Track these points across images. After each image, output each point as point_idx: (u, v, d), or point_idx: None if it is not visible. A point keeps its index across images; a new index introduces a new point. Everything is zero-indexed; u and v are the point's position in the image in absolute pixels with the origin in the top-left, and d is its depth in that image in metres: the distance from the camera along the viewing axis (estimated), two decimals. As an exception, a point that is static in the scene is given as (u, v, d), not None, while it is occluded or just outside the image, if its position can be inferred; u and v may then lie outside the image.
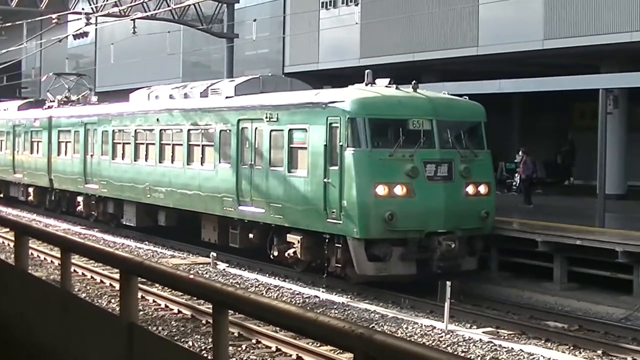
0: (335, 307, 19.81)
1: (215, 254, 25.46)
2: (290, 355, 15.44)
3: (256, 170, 24.67)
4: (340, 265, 21.80)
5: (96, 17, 42.74)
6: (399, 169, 21.19)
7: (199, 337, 16.42)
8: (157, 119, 30.11)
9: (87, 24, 40.04)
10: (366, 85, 23.02)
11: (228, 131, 26.06)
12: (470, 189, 21.95)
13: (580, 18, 29.45)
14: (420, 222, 21.21)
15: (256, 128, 24.77)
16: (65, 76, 46.16)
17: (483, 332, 17.76)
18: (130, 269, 6.94)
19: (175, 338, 16.03)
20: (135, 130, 31.61)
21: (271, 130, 24.13)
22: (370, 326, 17.59)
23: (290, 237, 23.43)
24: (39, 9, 40.92)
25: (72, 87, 43.88)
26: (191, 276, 6.37)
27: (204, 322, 17.44)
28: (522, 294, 21.89)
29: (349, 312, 19.30)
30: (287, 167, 23.40)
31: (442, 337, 17.08)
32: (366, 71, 23.31)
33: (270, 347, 15.84)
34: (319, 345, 14.84)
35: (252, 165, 24.83)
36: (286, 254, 23.61)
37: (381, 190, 21.05)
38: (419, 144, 21.43)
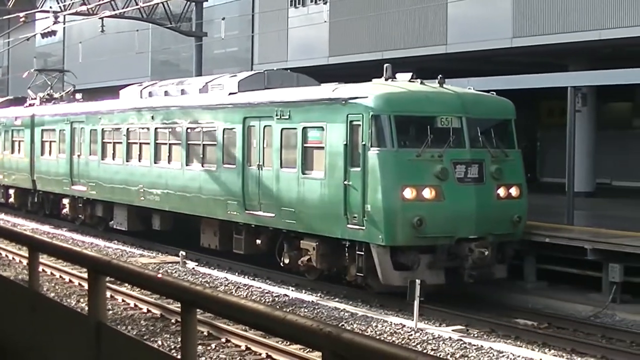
0: (304, 305, 19.74)
1: (184, 253, 25.28)
2: (260, 354, 15.42)
3: (265, 171, 22.99)
4: (361, 275, 20.18)
5: (64, 15, 42.46)
6: (427, 171, 19.61)
7: (168, 336, 16.35)
8: (152, 117, 28.44)
9: (55, 23, 39.85)
10: (386, 80, 21.38)
11: (233, 130, 24.34)
12: (501, 192, 20.39)
13: (548, 16, 29.54)
14: (450, 228, 19.62)
15: (265, 126, 23.09)
16: (47, 72, 44.52)
17: (452, 330, 17.74)
18: (98, 268, 6.89)
19: (145, 337, 15.96)
20: (128, 128, 29.85)
21: (282, 129, 22.47)
22: (340, 325, 17.61)
23: (304, 244, 21.79)
24: (6, 7, 40.65)
25: (54, 83, 42.33)
26: (159, 275, 6.34)
27: (173, 321, 17.35)
28: (491, 293, 21.19)
29: (318, 310, 19.23)
30: (300, 169, 21.75)
31: (411, 335, 17.06)
32: (385, 65, 21.64)
33: (239, 346, 15.81)
34: (288, 344, 14.83)
35: (260, 167, 23.16)
36: (299, 262, 21.98)
37: (408, 193, 19.42)
38: (448, 143, 19.80)
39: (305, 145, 21.74)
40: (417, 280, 18.24)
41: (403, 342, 16.66)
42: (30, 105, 39.72)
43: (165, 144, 27.72)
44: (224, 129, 24.78)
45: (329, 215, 20.80)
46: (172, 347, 15.38)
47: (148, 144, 28.67)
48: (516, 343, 17.07)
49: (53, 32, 45.15)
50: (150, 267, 22.87)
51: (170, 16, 40.70)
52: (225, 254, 25.40)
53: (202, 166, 25.71)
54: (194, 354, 5.97)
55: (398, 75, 21.33)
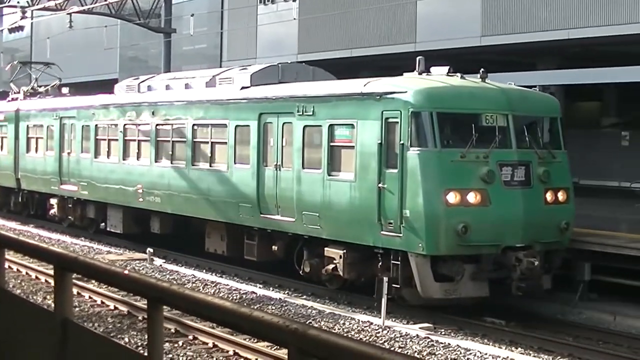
0: (272, 303, 19.64)
1: (152, 250, 25.02)
2: (227, 352, 15.38)
3: (284, 172, 21.20)
4: (396, 286, 18.43)
5: (32, 10, 42.22)
6: (472, 173, 18.02)
7: (135, 333, 16.29)
8: (153, 112, 26.48)
9: (22, 18, 39.57)
10: (419, 74, 19.77)
11: (246, 127, 22.51)
12: (549, 196, 18.83)
13: (517, 15, 29.64)
14: (496, 236, 18.01)
15: (284, 123, 21.29)
16: (31, 65, 42.47)
17: (420, 328, 17.67)
18: (65, 264, 6.84)
19: (112, 334, 15.89)
20: (125, 125, 27.90)
21: (305, 126, 20.70)
22: (308, 322, 17.56)
23: (330, 251, 20.01)
24: (-27, 2, 40.36)
25: (39, 76, 40.13)
26: (126, 272, 6.31)
27: (140, 318, 17.28)
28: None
29: (286, 307, 19.14)
30: (326, 170, 19.98)
31: (379, 332, 17.03)
32: (418, 58, 20.05)
33: (207, 344, 15.77)
34: (255, 341, 14.83)
35: (278, 167, 21.38)
36: (323, 271, 20.27)
37: (452, 197, 17.79)
38: (493, 143, 18.25)
39: (332, 144, 19.99)
40: (384, 278, 18.02)
41: (371, 339, 16.55)
42: (13, 99, 37.62)
43: (168, 141, 25.79)
44: (236, 126, 22.98)
45: (360, 221, 19.09)
46: (140, 344, 15.31)
47: (148, 141, 26.76)
48: (484, 341, 17.00)
49: (20, 27, 44.86)
50: (118, 264, 22.74)
51: (139, 12, 40.46)
52: (234, 260, 23.90)
53: (211, 166, 23.92)
54: (161, 350, 5.95)
55: (433, 69, 19.80)
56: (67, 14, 38.63)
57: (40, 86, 38.67)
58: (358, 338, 16.67)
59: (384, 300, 17.76)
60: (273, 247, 21.89)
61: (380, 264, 18.89)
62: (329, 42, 36.04)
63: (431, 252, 17.86)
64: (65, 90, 37.34)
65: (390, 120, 18.51)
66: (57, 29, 49.58)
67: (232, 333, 15.22)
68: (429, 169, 17.98)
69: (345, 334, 16.75)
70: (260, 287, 21.85)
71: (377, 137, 18.73)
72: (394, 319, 18.44)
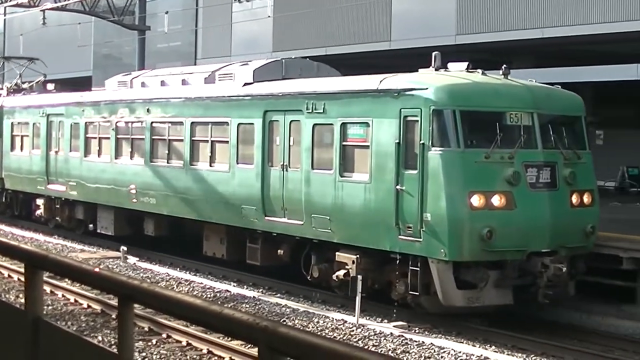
0: (246, 301, 19.56)
1: (125, 248, 24.76)
2: (201, 350, 15.33)
3: (291, 173, 20.17)
4: (414, 293, 17.50)
5: (5, 7, 41.99)
6: (497, 174, 17.12)
7: (108, 331, 16.21)
8: (148, 110, 25.30)
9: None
10: (436, 70, 18.71)
11: (250, 125, 21.46)
12: (574, 199, 17.96)
13: (492, 14, 29.74)
14: (521, 241, 17.10)
15: (292, 121, 20.28)
16: (15, 60, 40.96)
17: (394, 326, 17.61)
18: (35, 262, 6.81)
19: (85, 333, 15.78)
20: (117, 123, 26.71)
21: (314, 125, 19.67)
22: (282, 320, 17.62)
23: (341, 256, 19.02)
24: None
25: (23, 72, 38.77)
26: (97, 269, 6.28)
27: (113, 316, 17.20)
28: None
29: (260, 306, 19.08)
30: (338, 170, 18.96)
31: (353, 331, 16.98)
32: (433, 53, 19.04)
33: (180, 342, 15.72)
34: (229, 340, 14.78)
35: (285, 167, 20.36)
36: (334, 276, 19.21)
37: (476, 200, 16.86)
38: (519, 143, 17.38)
39: (344, 143, 18.98)
40: (358, 276, 17.87)
41: (344, 338, 16.47)
42: None
43: (164, 140, 24.70)
44: (238, 124, 21.90)
45: (376, 225, 18.10)
46: (113, 342, 15.22)
47: (143, 139, 25.56)
48: (458, 339, 16.93)
49: (-7, 24, 44.54)
50: (91, 262, 22.64)
51: (113, 9, 40.33)
52: (234, 264, 22.96)
53: (211, 166, 22.83)
54: (132, 348, 5.93)
55: (450, 65, 18.84)
56: (41, 10, 38.39)
57: (24, 82, 37.60)
58: (332, 336, 16.62)
59: (358, 299, 17.64)
60: (278, 251, 20.86)
61: (397, 270, 17.92)
62: (303, 40, 35.99)
63: (454, 258, 16.91)
64: (50, 86, 36.23)
65: (410, 118, 17.56)
66: (30, 25, 49.30)
67: (206, 331, 15.14)
68: (452, 170, 17.04)
69: (319, 332, 16.76)
70: (234, 286, 21.73)
71: (394, 136, 17.75)
72: (368, 317, 18.31)
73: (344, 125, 19.01)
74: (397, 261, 17.84)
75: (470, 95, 17.75)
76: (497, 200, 17.02)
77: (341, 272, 18.98)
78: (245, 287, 21.73)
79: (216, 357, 15.03)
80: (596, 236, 18.36)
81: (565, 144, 18.22)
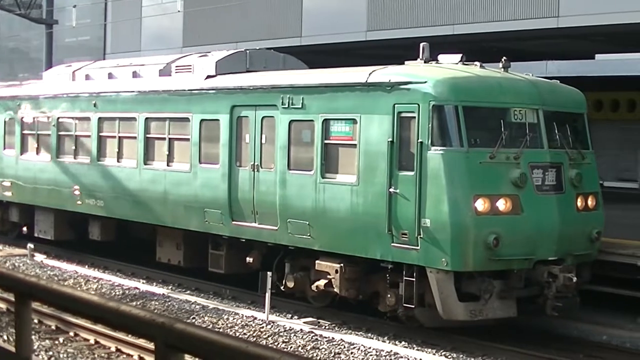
0: (155, 298, 19.39)
1: (32, 245, 24.09)
2: (109, 348, 15.18)
3: (264, 173, 18.54)
4: (409, 305, 16.00)
5: None
6: (502, 176, 15.69)
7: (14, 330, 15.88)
8: (94, 104, 23.35)
9: None
10: (425, 62, 17.25)
11: (214, 121, 19.77)
12: (579, 202, 16.62)
13: (403, 10, 29.82)
14: (528, 248, 15.70)
15: (264, 117, 18.65)
16: None
17: (304, 323, 17.60)
18: None
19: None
20: (59, 118, 24.76)
21: (291, 121, 18.02)
22: (191, 317, 17.66)
23: (322, 265, 17.44)
24: None
25: None
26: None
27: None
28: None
29: (169, 303, 18.92)
30: (320, 171, 17.33)
31: (263, 327, 16.89)
32: (422, 44, 17.70)
33: (88, 340, 15.54)
34: (138, 337, 14.62)
35: (256, 167, 18.71)
36: (313, 286, 17.72)
37: (481, 205, 15.39)
38: (524, 142, 15.99)
39: (327, 141, 17.35)
40: (268, 273, 17.64)
41: (254, 334, 16.44)
42: None
43: (114, 137, 22.77)
44: (201, 120, 20.18)
45: (364, 231, 16.53)
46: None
47: (88, 136, 23.62)
48: (367, 335, 16.87)
49: None
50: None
51: (20, 2, 39.64)
52: (192, 272, 21.41)
53: (168, 165, 21.04)
54: (30, 345, 5.82)
55: (442, 57, 17.39)
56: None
57: None
58: (242, 333, 16.68)
59: (267, 295, 17.50)
60: (247, 258, 19.25)
61: (387, 280, 16.48)
62: (214, 35, 35.65)
63: (458, 268, 15.39)
64: None
65: (405, 114, 16.00)
66: None
67: (115, 329, 14.99)
68: (455, 172, 15.51)
69: (228, 329, 16.79)
70: (143, 283, 21.59)
71: (387, 134, 16.19)
72: (278, 314, 18.31)
73: (326, 121, 17.39)
74: (389, 271, 16.36)
75: (473, 89, 16.14)
76: (502, 205, 15.57)
77: (322, 282, 17.48)
78: (154, 284, 21.55)
79: (125, 356, 14.89)
80: (601, 242, 17.08)
81: (570, 143, 16.83)
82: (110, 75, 24.13)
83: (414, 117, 15.81)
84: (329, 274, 17.32)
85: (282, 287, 18.47)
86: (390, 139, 16.11)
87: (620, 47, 26.90)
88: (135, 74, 23.20)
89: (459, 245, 15.32)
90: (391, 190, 16.02)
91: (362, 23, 30.85)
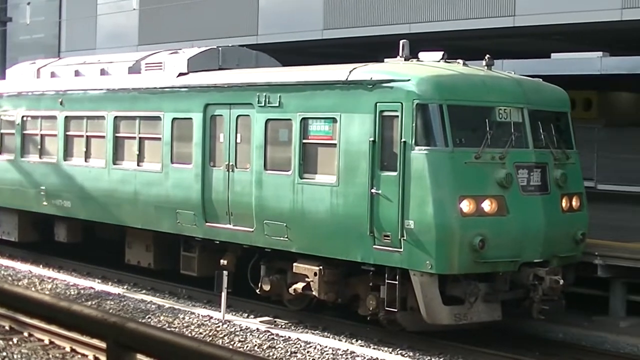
0: (111, 298, 19.27)
1: None
2: (64, 348, 15.04)
3: (239, 174, 18.06)
4: (391, 309, 15.63)
5: None
6: (488, 177, 15.34)
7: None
8: (61, 102, 22.74)
9: None
10: (405, 59, 16.95)
11: (187, 120, 19.27)
12: (564, 203, 16.34)
13: (359, 8, 29.89)
14: (514, 250, 15.39)
15: (239, 116, 18.19)
16: None
17: (260, 322, 17.63)
18: None
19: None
20: (23, 117, 24.13)
21: (268, 120, 17.57)
22: (147, 317, 17.63)
23: (300, 267, 17.00)
24: None
25: None
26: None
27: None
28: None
29: (125, 302, 18.82)
30: (298, 171, 16.88)
31: (219, 327, 16.85)
32: (401, 41, 17.32)
33: (42, 340, 15.38)
34: (91, 337, 14.51)
35: (231, 167, 18.25)
36: (291, 290, 17.32)
37: (466, 206, 15.02)
38: (509, 142, 15.67)
39: (305, 141, 16.91)
40: (224, 272, 17.41)
41: (210, 333, 16.38)
42: None
43: (81, 136, 22.18)
44: (173, 119, 19.67)
45: (344, 233, 16.12)
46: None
47: (55, 135, 23.00)
48: (324, 334, 16.91)
49: None
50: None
51: (-28, -1, 39.29)
52: (163, 275, 20.89)
53: (139, 165, 20.51)
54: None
55: (422, 54, 17.07)
56: None
57: None
58: (198, 332, 16.63)
59: (224, 294, 17.40)
60: (221, 260, 18.76)
61: (368, 283, 16.15)
62: (170, 33, 35.48)
63: (443, 271, 15.02)
64: None
65: (387, 113, 15.61)
66: None
67: (68, 329, 14.86)
68: (440, 172, 15.13)
69: (184, 328, 16.77)
70: (99, 282, 21.45)
71: (368, 133, 15.79)
72: (234, 313, 18.28)
73: (304, 120, 16.95)
74: (370, 274, 16.00)
75: (458, 88, 15.77)
76: (487, 206, 15.24)
77: (300, 285, 17.09)
78: (110, 283, 21.43)
79: (79, 356, 14.76)
80: (585, 244, 16.83)
81: (555, 143, 16.55)
82: (77, 73, 23.62)
83: (397, 116, 15.45)
84: (308, 277, 16.90)
85: (257, 291, 18.09)
86: (372, 139, 15.73)
87: (576, 46, 27.06)
88: (103, 72, 22.71)
89: (444, 248, 14.97)
90: (373, 191, 15.64)
91: (319, 21, 30.87)
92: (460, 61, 16.67)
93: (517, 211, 15.46)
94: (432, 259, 14.91)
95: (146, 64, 21.42)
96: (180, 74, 20.02)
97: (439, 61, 16.62)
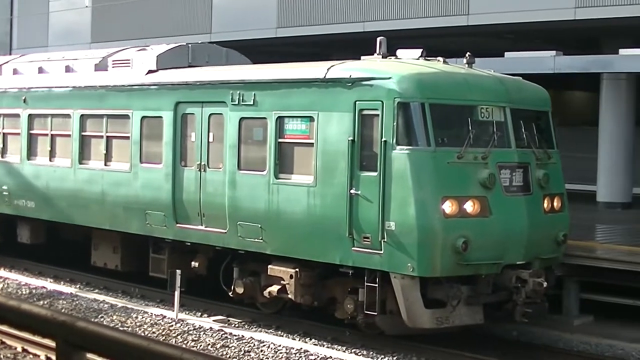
0: (63, 297, 19.09)
1: None
2: (15, 348, 14.83)
3: (211, 174, 17.58)
4: (373, 312, 15.19)
5: None
6: (470, 177, 14.95)
7: None
8: (24, 100, 22.09)
9: None
10: (383, 57, 16.57)
11: (157, 118, 18.77)
12: (546, 204, 15.99)
13: (313, 7, 29.99)
14: (497, 252, 14.99)
15: (212, 114, 17.71)
16: None
17: (214, 321, 17.56)
18: None
19: None
20: None
21: (242, 118, 17.10)
22: (99, 316, 17.47)
23: (276, 270, 16.54)
24: None
25: None
26: None
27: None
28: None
29: (77, 302, 18.65)
30: (273, 171, 16.41)
31: (172, 326, 16.79)
32: (378, 38, 16.94)
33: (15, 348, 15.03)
34: (42, 337, 14.38)
35: (203, 167, 17.76)
36: (266, 292, 16.85)
37: (449, 207, 14.64)
38: (492, 142, 15.30)
39: (281, 140, 16.45)
40: (177, 271, 17.28)
41: (164, 333, 16.33)
42: None
43: (46, 134, 21.52)
44: (142, 117, 19.14)
45: (322, 234, 15.70)
46: None
47: (17, 134, 22.32)
48: (277, 333, 16.88)
49: None
50: None
51: None
52: (131, 277, 20.33)
53: (106, 165, 19.96)
54: None
55: (400, 52, 16.66)
56: None
57: None
58: (151, 332, 16.54)
59: (177, 293, 17.33)
60: (192, 262, 18.34)
61: (346, 286, 15.81)
62: (123, 31, 35.42)
63: (425, 274, 14.63)
64: None
65: (367, 112, 15.19)
66: None
67: (17, 329, 14.69)
68: (422, 172, 14.72)
69: (137, 328, 16.73)
70: (51, 282, 21.28)
71: (347, 132, 15.36)
72: (187, 312, 18.23)
73: (280, 119, 16.50)
74: (349, 276, 15.61)
75: (440, 86, 15.40)
76: (470, 207, 14.85)
77: (275, 288, 16.65)
78: (62, 283, 21.24)
79: (31, 356, 14.60)
80: (566, 246, 16.53)
81: (536, 142, 16.18)
82: (40, 70, 22.96)
83: (377, 115, 15.01)
84: (283, 280, 16.47)
85: (230, 293, 17.64)
86: (351, 138, 15.30)
87: (529, 45, 27.29)
88: (68, 69, 22.05)
89: (426, 250, 14.57)
90: (352, 191, 15.21)
91: (272, 20, 30.95)
92: (440, 59, 16.33)
93: (500, 212, 15.10)
94: (413, 262, 14.52)
95: (113, 61, 20.91)
96: (150, 71, 19.55)
97: (418, 59, 16.28)
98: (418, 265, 14.46)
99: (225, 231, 17.21)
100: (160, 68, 19.46)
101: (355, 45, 31.35)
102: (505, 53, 25.13)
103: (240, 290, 17.35)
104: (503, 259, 15.05)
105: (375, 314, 15.11)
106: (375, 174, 14.87)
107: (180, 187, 18.16)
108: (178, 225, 18.18)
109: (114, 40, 34.55)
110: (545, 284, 15.14)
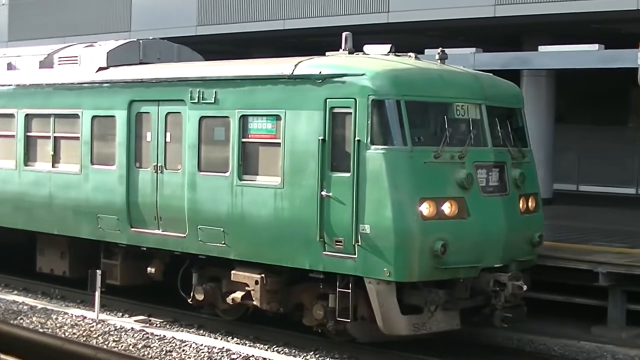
0: (-20, 300, 18.74)
1: None
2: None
3: (169, 175, 16.81)
4: (346, 320, 14.54)
5: None
6: (448, 177, 14.30)
7: None
8: None
9: None
10: (350, 53, 15.86)
11: (109, 118, 17.94)
12: (521, 204, 15.39)
13: (233, 5, 30.12)
14: (475, 255, 14.36)
15: (169, 113, 16.94)
16: None
17: (135, 321, 17.35)
18: None
19: None
20: None
21: (202, 117, 16.34)
22: (19, 318, 17.04)
23: (240, 275, 15.81)
24: None
25: None
26: None
27: None
28: None
29: (-4, 304, 18.31)
30: (237, 173, 15.68)
31: (93, 327, 16.44)
32: (344, 34, 16.18)
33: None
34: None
35: (159, 169, 16.99)
36: (229, 299, 16.13)
37: (426, 209, 13.99)
38: (469, 140, 14.69)
39: (245, 140, 15.70)
40: (97, 271, 16.95)
41: (84, 334, 15.95)
42: None
43: None
44: (93, 117, 18.30)
45: (290, 238, 14.96)
46: None
47: None
48: (199, 332, 16.81)
49: None
50: None
51: None
52: (78, 283, 19.23)
53: (54, 166, 19.09)
54: None
55: (368, 47, 15.98)
56: None
57: None
58: (71, 333, 16.17)
59: (97, 294, 17.04)
60: (148, 268, 17.59)
61: (316, 292, 15.13)
62: (41, 29, 35.01)
63: (402, 279, 13.94)
64: None
65: (339, 110, 14.48)
66: None
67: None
68: (398, 173, 14.04)
69: (58, 329, 16.31)
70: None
71: (317, 131, 14.65)
72: (108, 312, 18.04)
73: (244, 118, 15.76)
74: (319, 282, 14.94)
75: (416, 83, 14.69)
76: (447, 208, 14.20)
77: (239, 294, 15.94)
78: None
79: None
80: (541, 247, 16.00)
81: (511, 141, 15.61)
82: None
83: (350, 113, 14.32)
84: (248, 286, 15.75)
85: (189, 300, 16.92)
86: (321, 137, 14.58)
87: (450, 42, 27.79)
88: (10, 66, 21.17)
89: (403, 254, 13.87)
90: (323, 193, 14.49)
91: (192, 18, 31.00)
92: (412, 54, 15.73)
93: (478, 213, 14.47)
94: (390, 266, 13.85)
95: (59, 57, 20.04)
96: (100, 69, 18.71)
97: (387, 54, 15.63)
98: (395, 270, 13.83)
99: (185, 235, 16.48)
100: (111, 65, 18.68)
101: (273, 43, 31.67)
102: (426, 50, 25.56)
103: (200, 296, 16.67)
104: (481, 262, 14.49)
105: (348, 320, 14.52)
106: (348, 174, 14.22)
107: (135, 189, 17.41)
108: (133, 229, 17.42)
109: (33, 39, 34.16)
110: (525, 287, 14.66)
